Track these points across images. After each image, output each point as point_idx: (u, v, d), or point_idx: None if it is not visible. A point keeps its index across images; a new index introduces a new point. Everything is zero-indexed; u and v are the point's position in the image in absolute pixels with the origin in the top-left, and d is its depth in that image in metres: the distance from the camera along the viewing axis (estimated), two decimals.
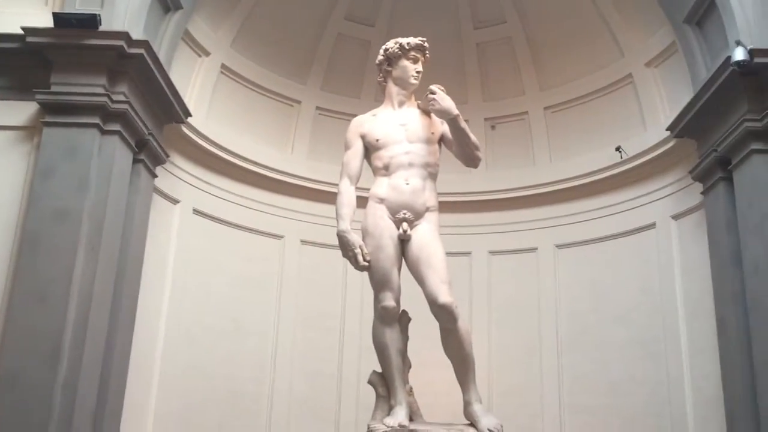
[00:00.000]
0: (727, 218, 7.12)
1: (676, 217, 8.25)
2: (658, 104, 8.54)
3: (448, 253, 4.88)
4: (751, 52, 6.58)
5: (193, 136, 8.44)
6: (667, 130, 8.02)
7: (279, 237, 9.34)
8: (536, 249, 9.44)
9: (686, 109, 7.55)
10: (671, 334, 8.05)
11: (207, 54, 8.62)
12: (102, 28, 6.70)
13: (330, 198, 8.53)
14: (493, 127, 9.81)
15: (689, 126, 7.62)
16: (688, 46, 7.76)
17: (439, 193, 5.10)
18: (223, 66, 8.83)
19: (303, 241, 9.44)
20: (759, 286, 6.55)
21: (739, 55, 6.55)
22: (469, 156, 5.06)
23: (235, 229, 9.00)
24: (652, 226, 8.48)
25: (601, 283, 8.89)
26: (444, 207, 5.14)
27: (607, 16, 8.75)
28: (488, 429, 4.60)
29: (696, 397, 7.64)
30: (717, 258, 7.30)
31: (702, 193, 7.67)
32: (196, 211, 8.61)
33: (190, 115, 8.11)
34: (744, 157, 6.84)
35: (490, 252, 9.67)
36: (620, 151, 8.70)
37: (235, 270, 8.88)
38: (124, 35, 6.72)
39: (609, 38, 8.83)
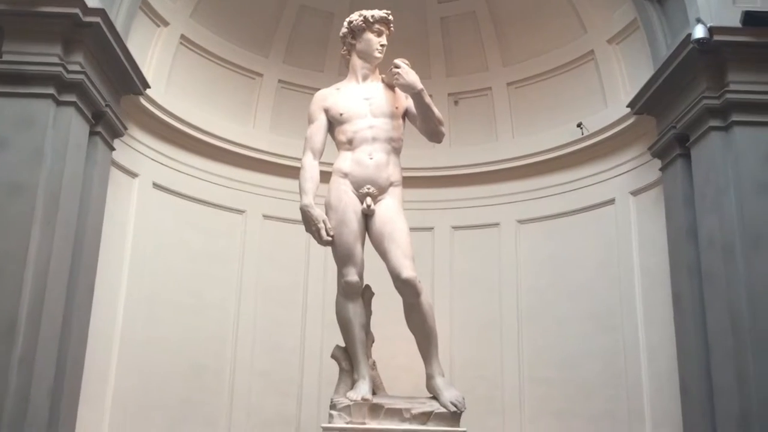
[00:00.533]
0: (684, 194, 7.24)
1: (634, 193, 8.37)
2: (619, 81, 8.61)
3: (411, 229, 4.91)
4: (711, 30, 6.65)
5: (152, 109, 8.29)
6: (627, 107, 8.10)
7: (240, 212, 9.26)
8: (498, 224, 9.50)
9: (646, 87, 7.63)
10: (628, 307, 8.20)
11: (166, 24, 8.43)
12: None
13: (293, 173, 8.47)
14: (456, 103, 9.81)
15: (649, 103, 7.71)
16: (649, 24, 7.83)
17: (401, 169, 5.10)
18: (182, 37, 8.66)
19: (265, 216, 9.37)
20: (713, 260, 6.71)
21: (699, 32, 6.63)
22: (432, 131, 5.06)
23: (195, 203, 8.89)
24: (611, 201, 8.59)
25: (561, 258, 9.00)
26: (407, 182, 5.14)
27: None
28: (450, 402, 4.65)
29: (651, 369, 7.82)
30: (674, 233, 7.44)
31: (660, 169, 7.78)
32: (156, 185, 8.48)
33: (149, 87, 7.95)
34: (702, 134, 6.95)
35: (452, 227, 9.70)
36: (581, 128, 8.78)
37: (196, 245, 8.79)
38: (80, 3, 6.55)
39: (572, 14, 8.86)
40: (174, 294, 8.50)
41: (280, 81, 9.59)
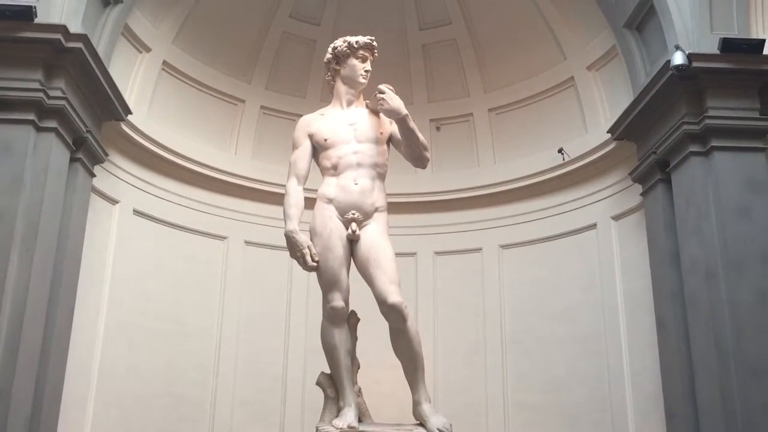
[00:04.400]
0: (665, 219, 7.30)
1: (616, 217, 8.43)
2: (599, 107, 8.71)
3: (395, 253, 4.87)
4: (690, 57, 6.76)
5: (134, 135, 8.24)
6: (607, 132, 8.19)
7: (222, 238, 9.20)
8: (481, 249, 9.52)
9: (626, 113, 7.72)
10: (612, 331, 8.22)
11: (148, 50, 8.42)
12: (38, 20, 6.50)
13: (274, 199, 8.47)
14: (438, 129, 9.86)
15: (629, 129, 7.79)
16: (628, 50, 7.94)
17: (387, 194, 5.08)
18: (164, 63, 8.65)
19: (247, 242, 9.32)
20: (696, 285, 6.74)
21: (678, 59, 6.73)
22: (417, 156, 5.05)
23: (177, 230, 8.83)
24: (593, 226, 8.65)
25: (544, 283, 9.01)
26: (390, 208, 5.12)
27: (549, 19, 8.89)
28: (438, 428, 4.59)
29: (636, 393, 7.82)
30: (656, 258, 7.48)
31: (641, 194, 7.85)
32: (137, 212, 8.41)
33: (131, 113, 7.91)
34: (682, 159, 7.03)
35: (435, 252, 9.71)
36: (562, 153, 8.85)
37: (177, 272, 8.71)
38: (62, 28, 6.53)
39: (552, 41, 8.97)
40: (154, 321, 8.39)
41: (262, 107, 9.59)
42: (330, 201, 4.89)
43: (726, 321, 6.39)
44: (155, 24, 8.45)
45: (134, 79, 8.35)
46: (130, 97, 8.08)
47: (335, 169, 4.96)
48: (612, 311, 8.26)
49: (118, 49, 7.83)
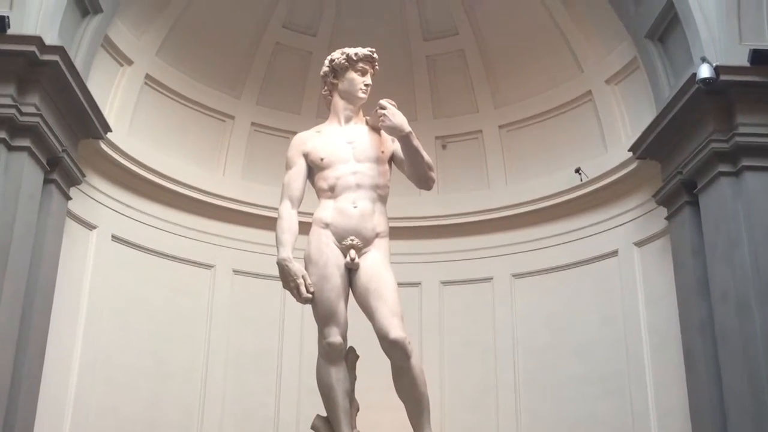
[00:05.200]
0: (693, 245, 7.29)
1: (639, 243, 8.41)
2: (619, 123, 8.73)
3: (398, 284, 4.86)
4: (717, 70, 6.78)
5: (113, 154, 8.26)
6: (629, 151, 8.20)
7: (209, 266, 9.18)
8: (491, 279, 9.48)
9: (649, 129, 7.74)
10: (635, 368, 8.17)
11: (129, 63, 8.47)
12: (11, 31, 6.54)
13: (266, 223, 8.45)
14: (444, 147, 9.87)
15: (652, 147, 7.81)
16: (650, 63, 7.98)
17: (389, 218, 5.09)
18: (147, 76, 8.69)
19: (236, 271, 9.30)
20: (727, 316, 6.71)
21: (705, 72, 6.74)
22: (422, 177, 5.06)
23: (159, 257, 8.81)
24: (614, 253, 8.63)
25: (560, 315, 8.97)
26: (391, 233, 5.12)
27: (565, 29, 8.94)
28: None
29: None
30: (683, 287, 7.46)
31: (666, 218, 7.84)
32: (115, 238, 8.41)
33: (110, 131, 7.94)
34: (710, 180, 7.03)
35: (441, 282, 9.67)
36: (580, 173, 8.86)
37: (159, 303, 8.68)
38: (36, 40, 6.57)
39: (567, 53, 9.02)
40: (134, 358, 8.34)
41: (253, 124, 9.62)
42: (327, 226, 4.89)
43: (760, 356, 6.35)
44: (137, 35, 8.50)
45: (114, 94, 8.38)
46: (109, 114, 8.10)
47: (332, 191, 4.97)
48: (635, 346, 8.21)
49: (98, 61, 7.87)
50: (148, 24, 8.58)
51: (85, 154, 7.85)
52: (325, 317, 4.77)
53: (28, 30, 6.69)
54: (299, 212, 4.99)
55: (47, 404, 7.16)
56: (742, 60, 6.87)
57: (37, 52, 6.57)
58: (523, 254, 9.36)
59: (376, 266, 4.82)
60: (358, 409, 4.95)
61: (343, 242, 4.85)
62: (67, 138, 7.29)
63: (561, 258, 9.09)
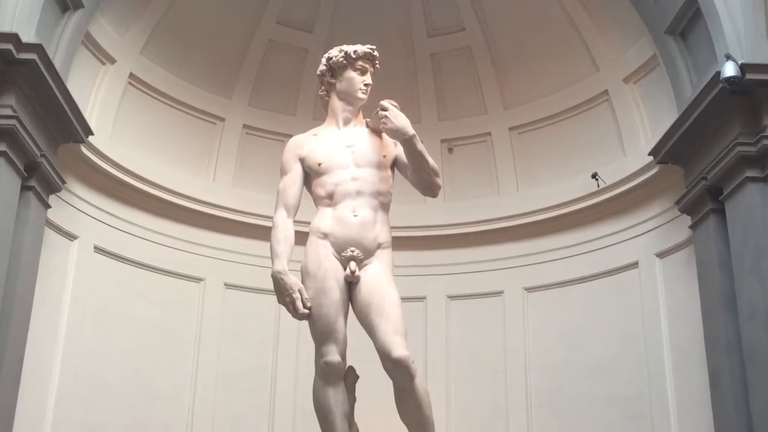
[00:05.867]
0: (719, 256, 7.29)
1: (661, 254, 8.41)
2: (638, 125, 8.75)
3: (401, 298, 4.86)
4: (743, 68, 6.79)
5: (95, 159, 8.28)
6: (649, 155, 8.21)
7: (198, 280, 9.19)
8: (502, 293, 9.48)
9: (670, 132, 7.74)
10: (657, 389, 8.16)
11: (112, 61, 8.50)
12: None
13: (260, 233, 8.46)
14: (450, 150, 9.89)
15: (674, 151, 7.81)
16: (670, 60, 8.00)
17: (392, 227, 5.09)
18: (131, 76, 8.72)
19: (227, 285, 9.30)
20: (756, 333, 6.70)
21: (729, 70, 6.75)
22: (426, 183, 5.06)
23: (144, 270, 8.82)
24: (635, 265, 8.63)
25: (576, 332, 8.96)
26: (395, 244, 5.12)
27: (579, 24, 8.96)
28: None
29: None
30: (708, 301, 7.45)
31: (690, 227, 7.84)
32: (98, 249, 8.42)
33: (92, 134, 7.96)
34: (737, 185, 7.03)
35: (448, 296, 9.67)
36: (597, 179, 8.87)
37: (145, 319, 8.68)
38: (13, 37, 6.59)
39: (582, 50, 9.04)
40: (117, 378, 8.34)
41: (245, 126, 9.64)
42: (325, 236, 4.89)
43: None
44: (121, 32, 8.53)
45: (96, 94, 8.41)
46: (91, 116, 8.13)
47: (331, 199, 4.97)
48: (657, 365, 8.20)
49: (78, 60, 7.89)
50: (132, 20, 8.61)
51: (66, 159, 7.85)
52: (323, 334, 4.76)
53: (4, 27, 6.71)
54: (295, 221, 4.99)
55: (24, 427, 7.14)
56: None
57: (14, 51, 6.58)
58: (536, 266, 9.36)
59: (378, 279, 4.81)
60: None
61: (343, 253, 4.85)
62: (45, 142, 7.30)
63: (577, 270, 9.09)
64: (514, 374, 9.21)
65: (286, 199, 5.03)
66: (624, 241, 8.75)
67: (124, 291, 8.60)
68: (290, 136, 5.63)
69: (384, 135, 5.08)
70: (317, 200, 5.06)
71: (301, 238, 4.93)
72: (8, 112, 6.65)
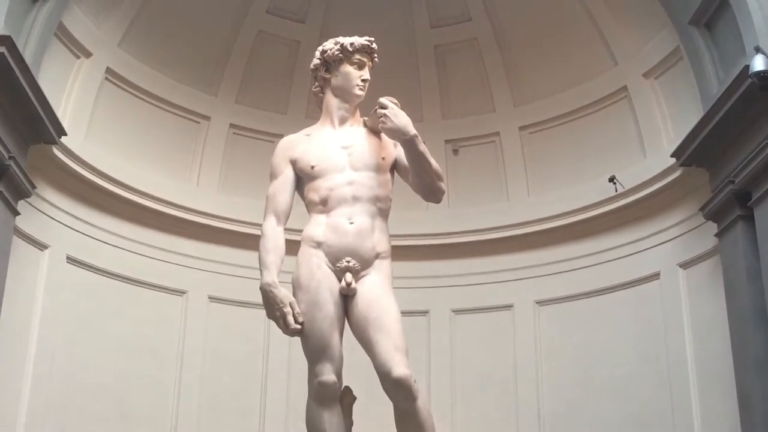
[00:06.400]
0: (747, 266, 7.28)
1: (684, 265, 8.41)
2: (660, 124, 8.76)
3: (402, 312, 4.86)
4: None
5: (68, 162, 8.28)
6: (671, 156, 8.21)
7: (180, 293, 9.20)
8: (511, 306, 9.50)
9: (695, 131, 7.74)
10: (680, 410, 8.15)
11: (88, 55, 8.51)
12: None
13: (248, 242, 8.46)
14: (455, 152, 9.91)
15: (699, 152, 7.81)
16: (695, 53, 8.00)
17: (391, 235, 5.09)
18: (108, 70, 8.73)
19: (212, 298, 9.32)
20: None
21: (759, 64, 6.74)
22: (429, 187, 5.06)
23: (122, 282, 8.83)
24: (656, 276, 8.63)
25: (592, 349, 8.97)
26: (394, 253, 5.13)
27: (595, 14, 8.98)
28: None
29: None
30: (736, 315, 7.45)
31: (716, 235, 7.85)
32: (71, 259, 8.41)
33: (65, 134, 7.95)
34: (767, 190, 7.03)
35: (453, 311, 9.69)
36: (614, 183, 8.88)
37: (122, 336, 8.67)
38: None
39: (599, 42, 9.06)
40: (92, 401, 8.32)
41: (231, 125, 9.67)
42: (318, 245, 4.89)
43: None
44: (97, 22, 8.54)
45: (70, 91, 8.41)
46: (64, 115, 8.13)
47: (325, 205, 4.97)
48: (680, 385, 8.20)
49: (51, 53, 7.90)
50: (110, 9, 8.62)
51: (36, 161, 7.85)
52: (316, 352, 4.75)
53: None
54: (286, 229, 4.99)
55: None
56: None
57: None
58: (549, 277, 9.38)
59: (376, 292, 4.81)
60: None
61: (338, 264, 4.85)
62: (14, 143, 7.30)
63: (593, 282, 9.10)
64: (525, 395, 9.21)
65: (276, 205, 5.02)
66: (644, 250, 8.76)
67: (100, 305, 8.59)
68: (281, 136, 5.65)
69: (383, 135, 5.08)
70: (310, 206, 5.06)
71: (292, 247, 4.93)
72: None
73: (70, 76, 8.43)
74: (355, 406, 4.96)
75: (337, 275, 4.83)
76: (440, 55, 9.85)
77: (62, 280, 8.32)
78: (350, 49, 5.19)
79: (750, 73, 6.80)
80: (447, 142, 9.91)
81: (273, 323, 4.83)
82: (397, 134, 4.91)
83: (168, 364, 8.98)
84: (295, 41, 9.62)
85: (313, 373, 4.77)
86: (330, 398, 4.76)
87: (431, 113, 9.87)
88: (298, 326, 4.74)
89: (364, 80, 5.22)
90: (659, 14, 8.37)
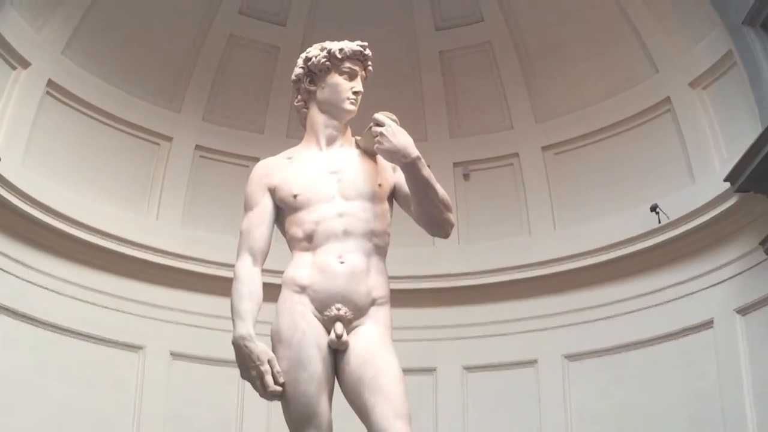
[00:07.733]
0: None
1: (742, 311, 8.41)
2: (710, 142, 8.78)
3: (404, 370, 4.86)
4: None
5: (2, 191, 8.27)
6: (725, 180, 8.22)
7: (137, 348, 9.19)
8: (535, 362, 9.50)
9: (752, 150, 7.76)
10: None
11: (26, 65, 8.56)
12: None
13: (218, 286, 8.45)
14: (466, 177, 9.94)
15: (757, 175, 7.82)
16: (750, 58, 8.04)
17: (390, 277, 5.10)
18: (50, 83, 8.77)
19: (174, 354, 9.31)
20: None
21: None
22: (435, 219, 5.06)
23: (66, 336, 8.80)
24: (709, 324, 8.63)
25: (632, 410, 8.95)
26: (396, 298, 5.13)
27: (633, 14, 9.04)
28: None
29: None
30: None
31: None
32: (4, 309, 8.38)
33: None
34: None
35: (464, 368, 9.68)
36: (657, 212, 8.89)
37: (66, 399, 8.63)
38: None
39: (636, 46, 9.12)
40: None
41: (198, 147, 9.71)
42: (302, 289, 4.88)
43: None
44: (37, 27, 8.59)
45: (5, 107, 8.44)
46: None
47: (310, 241, 4.97)
48: None
49: None
50: (52, 11, 8.67)
51: None
52: (300, 419, 4.74)
53: None
54: (264, 270, 4.99)
55: None
56: None
57: None
58: (579, 327, 9.38)
59: (373, 346, 4.80)
60: None
61: (326, 312, 4.83)
62: None
63: (633, 332, 9.10)
64: None
65: (252, 242, 5.02)
66: (694, 293, 8.77)
67: (38, 362, 8.55)
68: (257, 159, 5.68)
69: (379, 158, 5.10)
70: (292, 243, 5.06)
71: (271, 292, 4.93)
72: None
73: (5, 89, 8.46)
74: None
75: (325, 326, 4.82)
76: (447, 62, 9.92)
77: None
78: (339, 56, 5.21)
79: None
80: (456, 165, 9.95)
81: (248, 384, 4.81)
82: (396, 156, 4.92)
83: None
84: (273, 47, 9.68)
85: None
86: None
87: (437, 131, 9.91)
88: (279, 388, 4.72)
89: (355, 93, 5.23)
90: (708, 13, 8.42)
